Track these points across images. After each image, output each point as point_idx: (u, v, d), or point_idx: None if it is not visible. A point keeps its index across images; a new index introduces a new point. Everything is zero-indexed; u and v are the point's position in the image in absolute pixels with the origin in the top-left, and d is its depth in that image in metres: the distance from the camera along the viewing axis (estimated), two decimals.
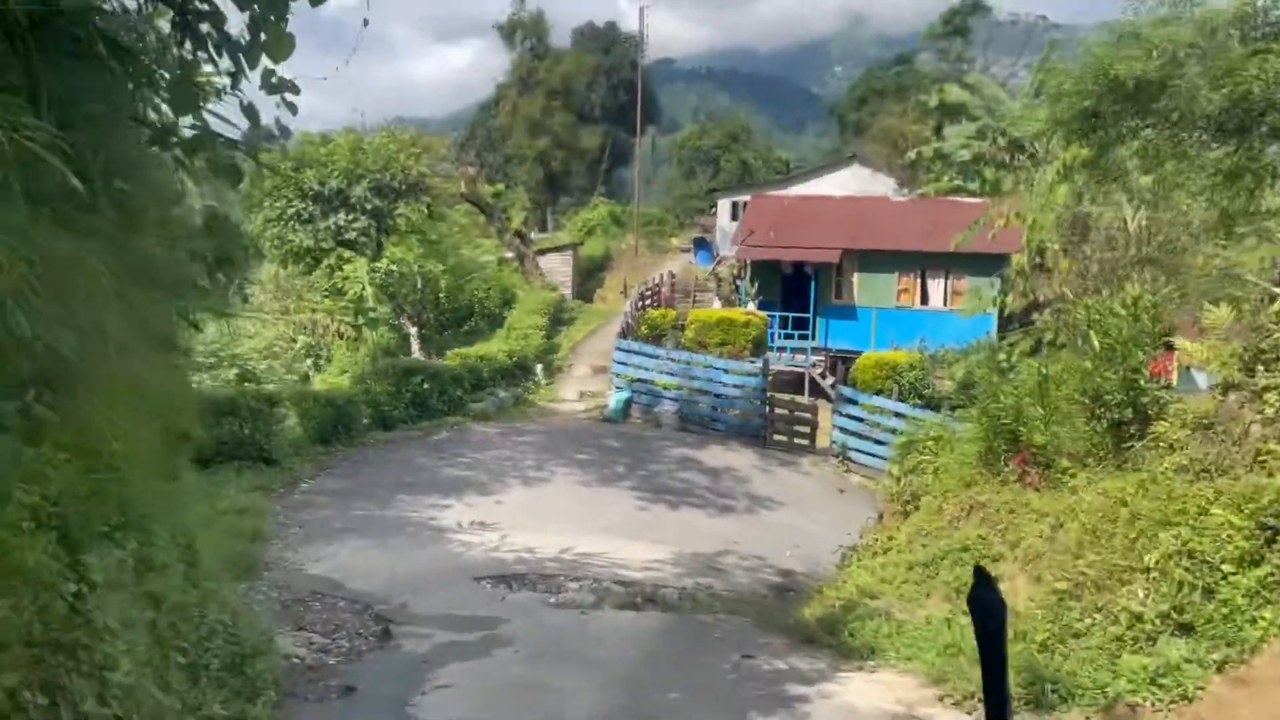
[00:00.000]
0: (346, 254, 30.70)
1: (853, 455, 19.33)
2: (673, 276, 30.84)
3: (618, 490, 16.06)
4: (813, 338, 25.88)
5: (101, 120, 3.63)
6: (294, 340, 35.87)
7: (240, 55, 3.96)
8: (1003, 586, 8.06)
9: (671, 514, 15.28)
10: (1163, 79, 7.16)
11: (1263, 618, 5.82)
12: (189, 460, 12.69)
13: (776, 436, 20.47)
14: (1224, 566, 6.12)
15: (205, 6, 3.98)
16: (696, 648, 8.37)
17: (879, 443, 19.00)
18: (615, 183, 63.12)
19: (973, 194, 30.06)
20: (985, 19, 53.86)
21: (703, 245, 39.99)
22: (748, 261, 26.96)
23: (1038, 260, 20.36)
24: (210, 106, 4.17)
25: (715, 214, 49.17)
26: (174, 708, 4.32)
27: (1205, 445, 7.19)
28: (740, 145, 62.32)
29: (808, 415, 20.53)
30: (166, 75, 4.04)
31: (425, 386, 18.57)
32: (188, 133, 4.38)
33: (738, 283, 27.37)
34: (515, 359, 22.45)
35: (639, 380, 21.42)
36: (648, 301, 27.86)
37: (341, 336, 26.33)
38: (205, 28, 3.97)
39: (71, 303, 2.80)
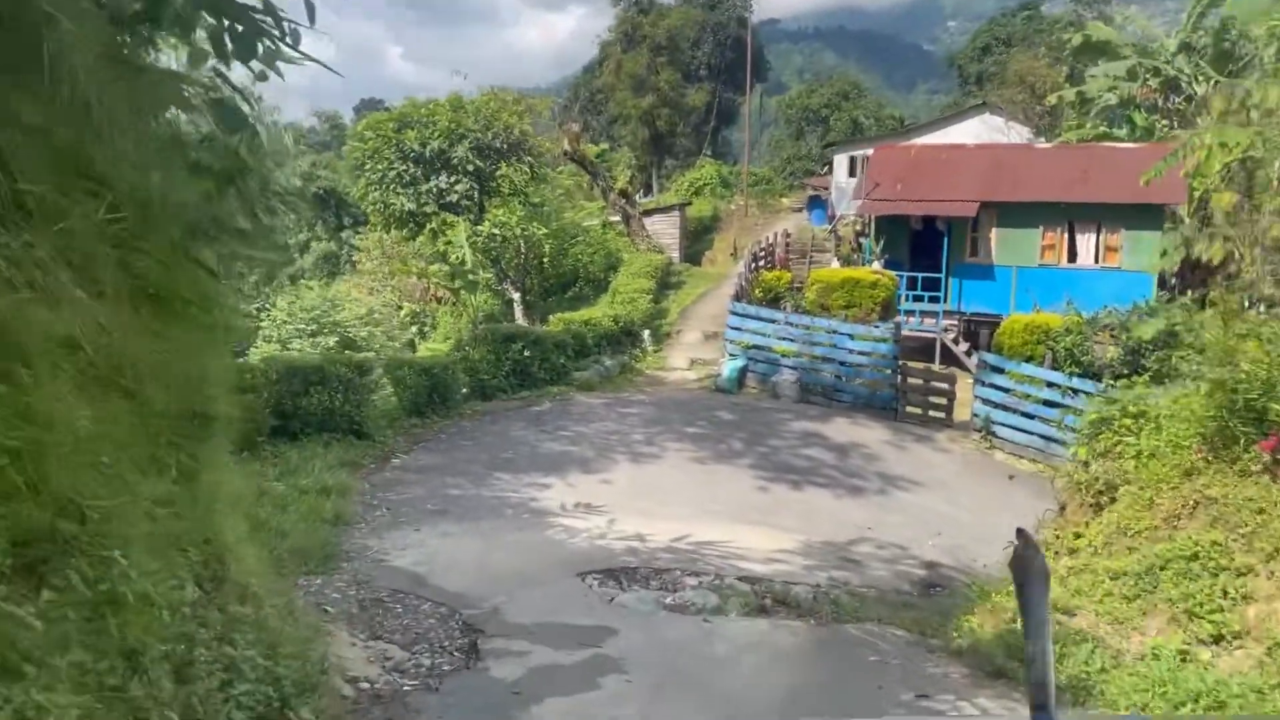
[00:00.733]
0: (449, 218, 29.86)
1: (997, 430, 17.28)
2: (788, 236, 28.89)
3: (734, 468, 14.50)
4: (944, 300, 23.65)
5: None
6: (399, 307, 35.47)
7: None
8: (1254, 611, 6.16)
9: (795, 495, 13.65)
10: None
11: None
12: (253, 439, 11.63)
13: (909, 409, 18.53)
14: None
15: None
16: (852, 678, 6.77)
17: (1028, 416, 16.91)
18: (721, 144, 61.11)
19: (1120, 141, 27.14)
20: None
21: (817, 203, 37.76)
22: (871, 217, 24.82)
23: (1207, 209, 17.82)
24: None
25: (828, 173, 46.75)
26: None
27: None
28: (851, 104, 59.95)
29: (944, 385, 18.51)
30: None
31: (526, 354, 17.31)
32: None
33: (860, 240, 25.27)
34: (621, 324, 21.02)
35: (755, 347, 19.72)
36: (761, 263, 26.05)
37: (440, 301, 25.45)
38: None
39: None
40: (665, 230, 32.57)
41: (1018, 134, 33.76)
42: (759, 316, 19.92)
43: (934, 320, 23.39)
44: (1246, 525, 6.65)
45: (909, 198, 23.96)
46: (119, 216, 3.65)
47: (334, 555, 8.92)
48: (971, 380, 20.34)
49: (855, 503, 13.75)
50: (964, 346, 23.33)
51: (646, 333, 21.90)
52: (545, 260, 32.62)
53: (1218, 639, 6.23)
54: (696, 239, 35.48)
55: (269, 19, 4.15)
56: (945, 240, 23.59)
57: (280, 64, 4.09)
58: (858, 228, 25.69)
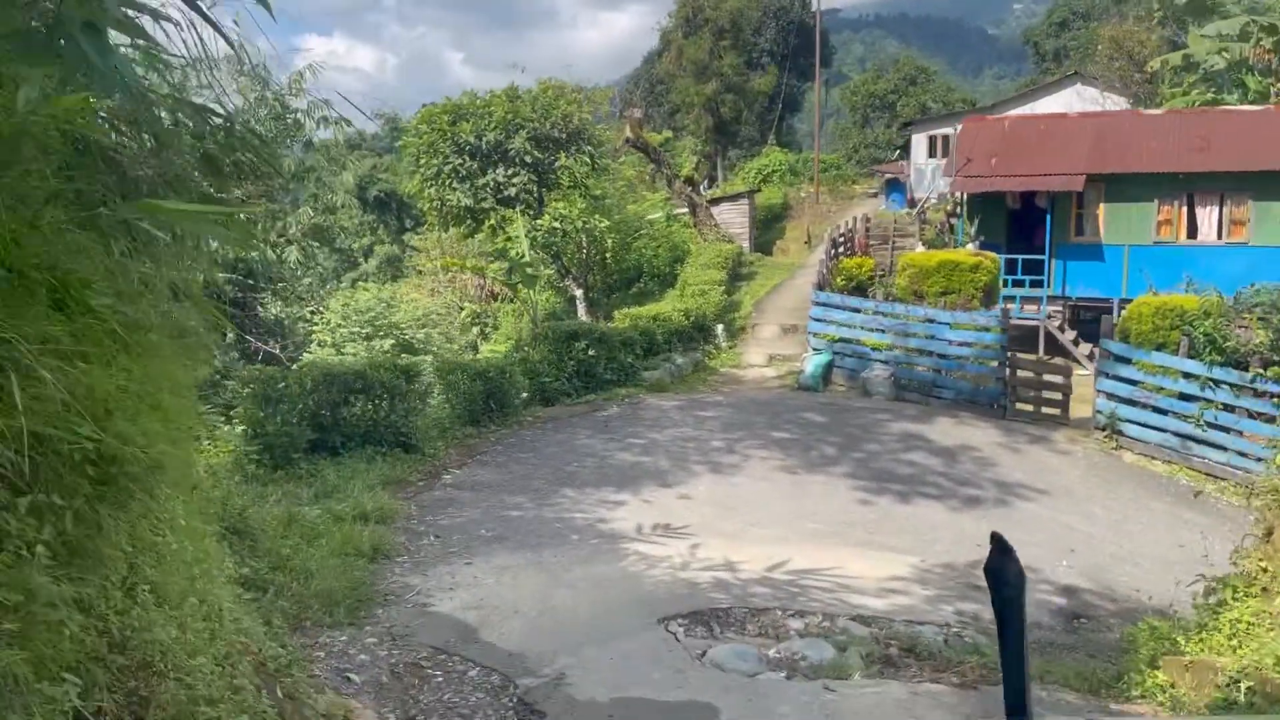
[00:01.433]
0: (508, 213, 28.56)
1: (1124, 428, 15.22)
2: (867, 221, 26.90)
3: (830, 478, 12.74)
4: (1048, 284, 21.51)
5: None
6: (460, 308, 34.32)
7: None
8: None
9: (902, 509, 11.86)
10: None
11: None
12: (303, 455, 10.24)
13: (1020, 405, 16.53)
14: None
15: None
16: None
17: (1160, 412, 14.83)
18: (785, 132, 59.11)
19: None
20: None
21: (895, 187, 35.62)
22: (964, 196, 22.74)
23: None
24: None
25: (899, 158, 44.46)
26: None
27: None
28: (918, 88, 57.86)
29: (1059, 379, 16.46)
30: None
31: (591, 353, 15.74)
32: None
33: (952, 222, 23.22)
34: (693, 319, 19.34)
35: (841, 340, 17.88)
36: (840, 250, 24.14)
37: (496, 298, 24.11)
38: None
39: None
40: (734, 219, 30.80)
41: (1114, 105, 31.22)
42: (845, 306, 18.06)
43: (1036, 306, 21.28)
44: None
45: (1005, 173, 21.84)
46: None
47: (368, 599, 7.44)
48: (1086, 372, 18.25)
49: (971, 516, 11.91)
50: (1071, 335, 21.18)
51: (720, 327, 20.18)
52: (608, 255, 31.11)
53: None
54: (766, 228, 33.63)
55: None
56: (1049, 218, 21.42)
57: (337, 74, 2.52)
58: (948, 208, 23.63)
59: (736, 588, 8.63)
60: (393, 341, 22.79)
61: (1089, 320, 22.92)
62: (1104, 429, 15.42)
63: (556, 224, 27.47)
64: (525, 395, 14.71)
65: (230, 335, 24.26)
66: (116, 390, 2.77)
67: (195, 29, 3.35)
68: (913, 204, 32.44)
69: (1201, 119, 22.34)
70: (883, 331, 17.40)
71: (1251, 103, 25.39)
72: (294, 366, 11.89)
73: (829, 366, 17.68)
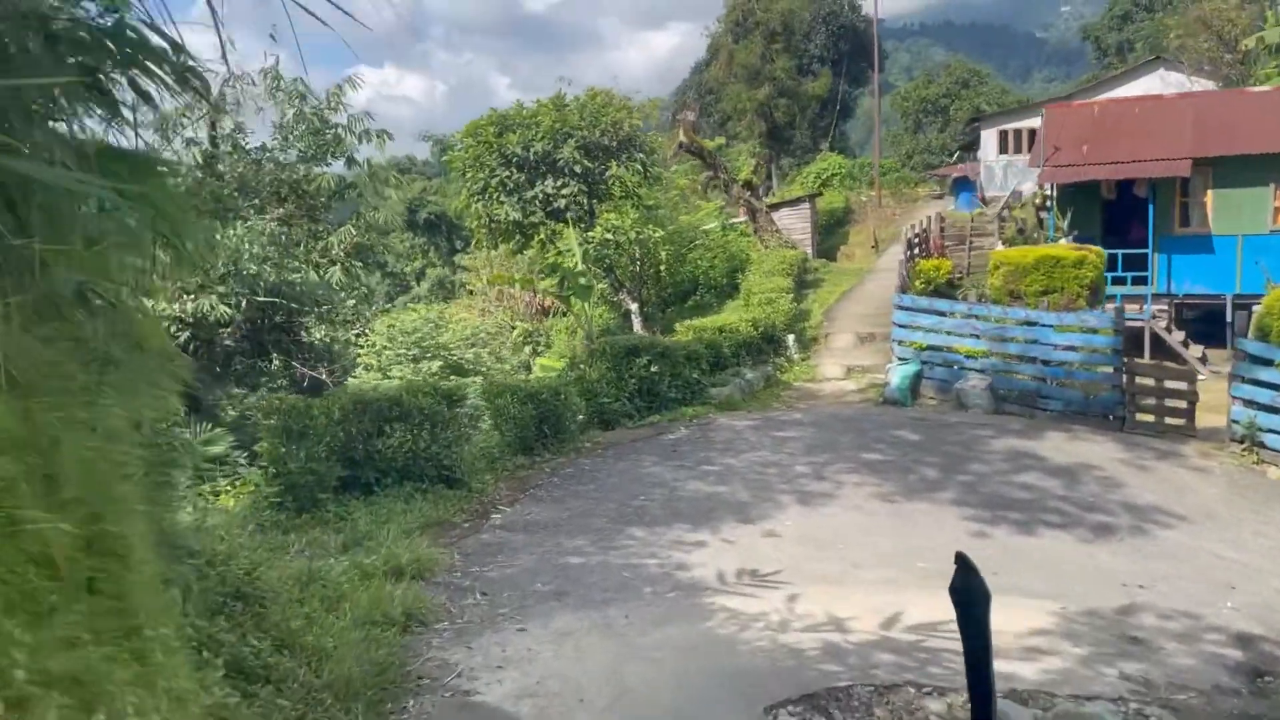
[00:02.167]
0: (558, 226, 27.27)
1: (1267, 440, 13.24)
2: (942, 220, 25.07)
3: (935, 506, 11.00)
4: (1151, 280, 19.50)
5: None
6: (512, 327, 33.08)
7: None
8: None
9: (1025, 542, 10.09)
10: None
11: None
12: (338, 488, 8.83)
13: (1140, 416, 14.60)
14: None
15: None
16: None
17: None
18: (838, 139, 57.49)
19: None
20: None
21: (964, 186, 33.67)
22: (1053, 188, 20.82)
23: None
24: None
25: (957, 161, 42.46)
26: None
27: None
28: (971, 91, 56.44)
29: (1183, 385, 14.52)
30: None
31: (653, 369, 14.18)
32: None
33: (1041, 216, 21.30)
34: (762, 330, 17.71)
35: (930, 348, 16.10)
36: (915, 251, 22.35)
37: (548, 315, 22.76)
38: None
39: None
40: (795, 224, 29.13)
41: (1203, 89, 29.01)
42: (933, 310, 16.28)
43: (1139, 305, 19.30)
44: None
45: (1098, 161, 19.92)
46: None
47: (396, 686, 5.94)
48: (1204, 376, 16.27)
49: (1107, 549, 10.10)
50: (1179, 336, 19.14)
51: (791, 338, 18.51)
52: (661, 267, 29.63)
53: None
54: (828, 234, 31.89)
55: None
56: (1150, 208, 19.43)
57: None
58: (1036, 202, 21.73)
59: (852, 654, 6.98)
60: (441, 363, 21.54)
61: (1193, 319, 20.86)
62: (1241, 440, 13.46)
63: (609, 235, 26.09)
64: (582, 418, 13.18)
65: (276, 362, 23.24)
66: None
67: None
68: (984, 203, 30.50)
69: None
70: (977, 337, 15.59)
71: None
72: (325, 394, 10.49)
73: (917, 378, 15.92)
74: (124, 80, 2.42)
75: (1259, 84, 26.45)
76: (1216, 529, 11.02)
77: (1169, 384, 14.67)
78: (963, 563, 1.65)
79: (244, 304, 20.92)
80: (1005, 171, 32.79)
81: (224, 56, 3.14)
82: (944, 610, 8.07)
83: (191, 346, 20.65)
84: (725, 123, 48.22)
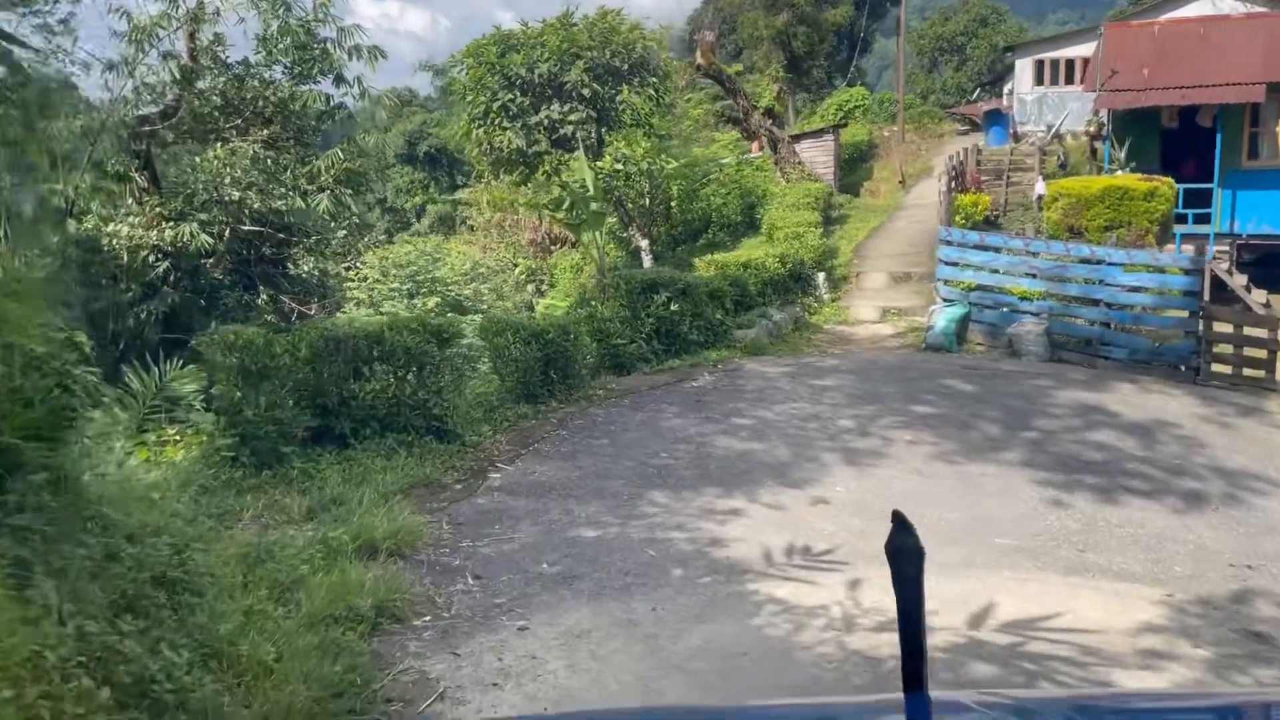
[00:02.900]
0: (563, 156, 25.45)
1: None
2: (979, 152, 23.23)
3: (1002, 469, 9.49)
4: (1215, 218, 17.78)
5: None
6: (514, 264, 31.37)
7: None
8: None
9: (1110, 513, 8.58)
10: None
11: None
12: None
13: (1216, 367, 13.04)
14: None
15: None
16: None
17: None
18: (855, 75, 55.08)
19: None
20: None
21: (996, 119, 31.57)
22: (1109, 115, 18.98)
23: None
24: None
25: (977, 100, 40.40)
26: None
27: None
28: (989, 29, 54.09)
29: (1264, 333, 12.95)
30: None
31: (673, 308, 12.57)
32: None
33: (1095, 145, 19.49)
34: (789, 266, 16.03)
35: (979, 288, 14.47)
36: (954, 185, 20.60)
37: (552, 252, 21.13)
38: None
39: None
40: (817, 158, 27.21)
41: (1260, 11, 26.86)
42: (985, 246, 14.60)
43: (1194, 246, 17.59)
44: None
45: (1161, 85, 18.05)
46: None
47: (357, 715, 4.45)
48: None
49: (1202, 520, 8.63)
50: (1241, 279, 17.46)
51: (821, 276, 16.85)
52: (673, 203, 27.83)
53: None
54: (851, 168, 29.94)
55: None
56: (1217, 139, 17.63)
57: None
58: (1090, 130, 19.88)
59: (940, 665, 5.49)
60: (438, 299, 19.89)
61: (1251, 262, 19.16)
62: None
63: (619, 166, 24.29)
64: (592, 360, 11.59)
65: (264, 297, 21.60)
66: None
67: None
68: (1016, 138, 28.56)
69: None
70: (1033, 276, 13.94)
71: None
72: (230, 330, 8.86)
73: (964, 321, 14.32)
74: None
75: None
76: None
77: (1249, 331, 13.08)
78: (899, 522, 1.29)
79: (227, 233, 19.27)
80: (1040, 104, 30.76)
81: None
82: (1039, 602, 6.61)
83: (172, 278, 19.06)
84: (740, 53, 45.82)
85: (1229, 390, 12.82)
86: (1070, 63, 30.06)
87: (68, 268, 17.78)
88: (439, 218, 55.15)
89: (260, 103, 20.94)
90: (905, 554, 1.38)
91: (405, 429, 8.60)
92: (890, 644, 5.84)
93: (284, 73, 21.11)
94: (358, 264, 22.09)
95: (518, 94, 25.85)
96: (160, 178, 20.05)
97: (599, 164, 22.18)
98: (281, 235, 21.23)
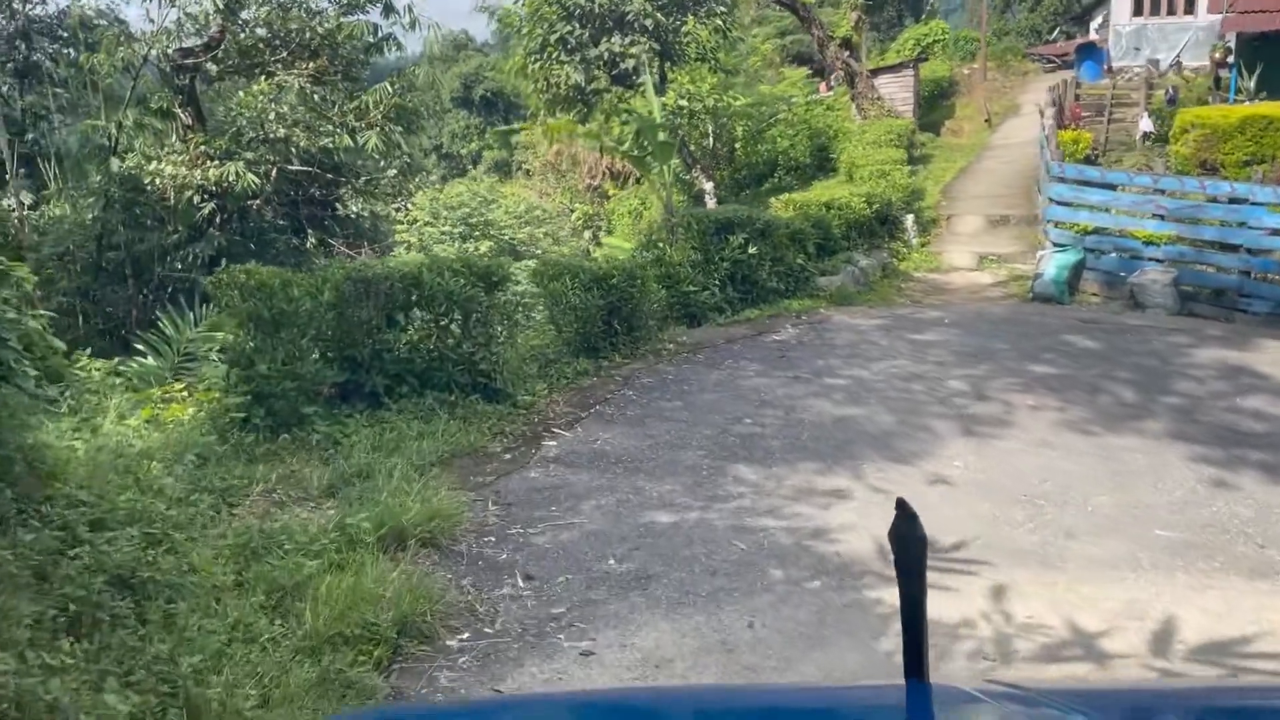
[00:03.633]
0: (624, 93, 23.93)
1: None
2: (1078, 85, 21.18)
3: (1146, 441, 7.97)
4: None
5: None
6: (570, 209, 30.01)
7: None
8: None
9: None
10: None
11: None
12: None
13: None
14: None
15: None
16: None
17: None
18: (930, 11, 52.28)
19: None
20: None
21: (1090, 53, 29.17)
22: (1235, 40, 16.88)
23: None
24: None
25: (1056, 39, 37.63)
26: None
27: None
28: None
29: None
30: None
31: (751, 251, 11.13)
32: None
33: (1220, 74, 17.42)
34: (875, 208, 14.42)
35: (1095, 231, 12.77)
36: (1058, 119, 18.71)
37: (613, 187, 19.74)
38: None
39: None
40: (896, 93, 25.25)
41: None
42: (1106, 183, 12.85)
43: None
44: None
45: None
46: None
47: None
48: None
49: None
50: None
51: (910, 218, 15.22)
52: (737, 144, 26.14)
53: None
54: (930, 106, 27.89)
55: None
56: None
57: None
58: (1215, 56, 17.76)
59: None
60: (491, 243, 18.70)
61: None
62: None
63: (683, 102, 22.71)
64: (659, 308, 10.24)
65: (312, 240, 20.61)
66: None
67: None
68: (1111, 73, 26.24)
69: None
70: (1161, 218, 12.20)
71: None
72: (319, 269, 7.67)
73: (1078, 268, 12.65)
74: None
75: None
76: None
77: None
78: (902, 508, 1.22)
79: (274, 173, 18.26)
80: (1139, 36, 28.27)
81: None
82: (1229, 618, 5.20)
83: (218, 220, 18.12)
84: None
85: None
86: None
87: (111, 208, 16.94)
88: (495, 164, 53.90)
89: (306, 34, 19.80)
90: (908, 542, 1.33)
91: (447, 386, 7.37)
92: (1060, 676, 4.51)
93: (331, 1, 19.91)
94: (408, 205, 20.96)
95: (576, 25, 24.27)
96: (205, 114, 19.08)
97: (663, 100, 20.63)
98: (330, 176, 20.20)
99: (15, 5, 21.56)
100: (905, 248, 14.78)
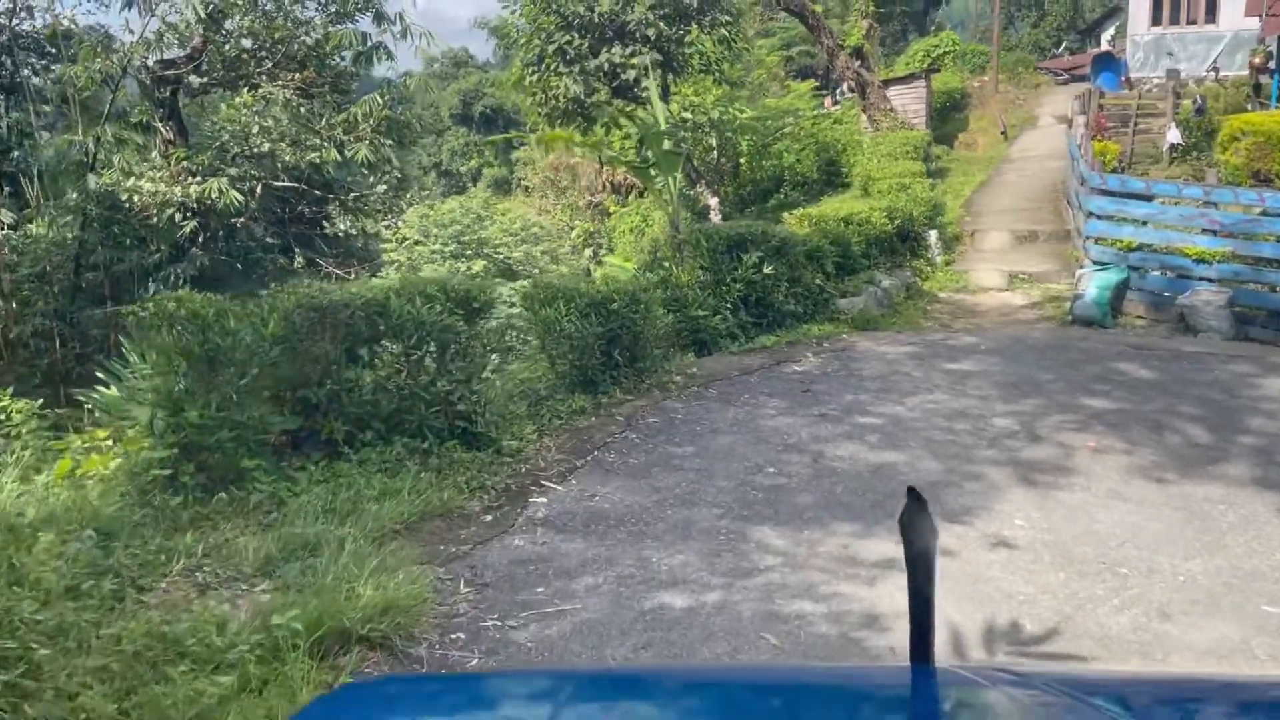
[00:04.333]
0: (626, 106, 22.95)
1: None
2: (1101, 95, 20.19)
3: (1231, 490, 6.87)
4: None
5: None
6: (570, 226, 29.05)
7: None
8: None
9: None
10: None
11: None
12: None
13: None
14: None
15: None
16: None
17: None
18: (937, 26, 51.70)
19: None
20: None
21: (1107, 64, 28.24)
22: (1277, 43, 15.88)
23: None
24: None
25: (1064, 53, 36.70)
26: None
27: None
28: None
29: None
30: None
31: (766, 271, 10.05)
32: None
33: (1260, 79, 16.40)
34: (897, 223, 13.36)
35: (1139, 247, 11.70)
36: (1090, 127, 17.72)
37: (615, 201, 18.74)
38: None
39: None
40: (908, 105, 24.30)
41: None
42: (1152, 195, 11.79)
43: None
44: None
45: None
46: None
47: None
48: None
49: None
50: None
51: (933, 235, 14.15)
52: (742, 159, 25.18)
53: None
54: (943, 118, 26.94)
55: None
56: None
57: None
58: (1256, 61, 16.76)
59: None
60: (484, 262, 17.67)
61: None
62: None
63: (686, 115, 21.80)
64: (665, 333, 9.16)
65: (300, 259, 19.75)
66: None
67: None
68: (1129, 84, 25.29)
69: None
70: (1214, 233, 11.14)
71: None
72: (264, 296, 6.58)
73: (1121, 288, 11.58)
74: None
75: None
76: None
77: None
78: (913, 496, 1.23)
79: (259, 190, 17.34)
80: (1158, 46, 27.35)
81: None
82: None
83: (201, 238, 17.16)
84: None
85: None
86: None
87: (89, 226, 15.96)
88: (495, 182, 53.15)
89: (293, 44, 18.95)
90: (918, 530, 1.34)
91: (419, 431, 6.28)
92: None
93: (318, 9, 19.03)
94: (398, 222, 19.97)
95: (575, 36, 23.31)
96: (188, 129, 18.23)
97: (668, 110, 19.68)
98: (318, 193, 19.29)
99: (1, 20, 20.70)
100: (929, 266, 13.72)
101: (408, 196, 21.50)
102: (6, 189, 19.78)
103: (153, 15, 17.27)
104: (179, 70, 17.32)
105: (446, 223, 18.14)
